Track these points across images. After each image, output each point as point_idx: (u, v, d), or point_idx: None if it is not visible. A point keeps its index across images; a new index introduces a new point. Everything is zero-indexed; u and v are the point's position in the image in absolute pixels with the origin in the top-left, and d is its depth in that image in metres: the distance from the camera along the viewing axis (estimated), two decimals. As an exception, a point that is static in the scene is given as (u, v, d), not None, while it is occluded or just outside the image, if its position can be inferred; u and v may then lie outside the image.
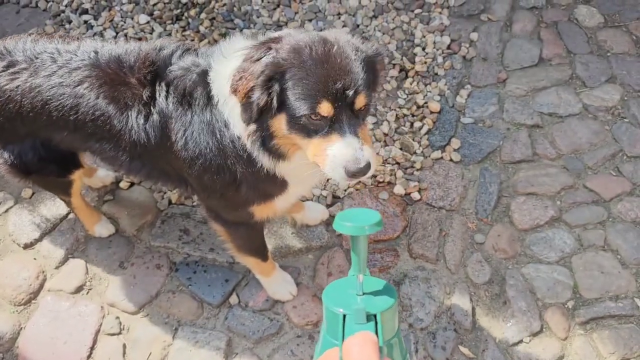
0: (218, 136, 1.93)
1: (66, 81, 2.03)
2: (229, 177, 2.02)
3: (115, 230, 2.92)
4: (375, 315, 1.06)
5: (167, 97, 1.96)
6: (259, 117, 1.74)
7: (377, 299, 1.11)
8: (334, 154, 1.69)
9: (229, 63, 1.83)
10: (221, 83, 1.86)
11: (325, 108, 1.66)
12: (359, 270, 1.15)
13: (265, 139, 1.83)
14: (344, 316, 1.07)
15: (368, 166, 1.69)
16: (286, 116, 1.72)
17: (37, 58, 2.08)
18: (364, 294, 1.12)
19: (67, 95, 2.03)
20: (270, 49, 1.73)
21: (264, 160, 1.91)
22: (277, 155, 1.88)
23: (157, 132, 1.99)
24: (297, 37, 1.76)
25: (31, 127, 2.17)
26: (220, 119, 1.91)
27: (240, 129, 1.87)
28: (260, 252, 2.53)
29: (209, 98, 1.91)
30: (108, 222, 2.92)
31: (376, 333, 1.05)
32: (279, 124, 1.76)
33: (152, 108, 1.97)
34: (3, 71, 2.10)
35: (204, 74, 1.93)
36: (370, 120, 3.22)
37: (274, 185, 2.07)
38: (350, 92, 1.66)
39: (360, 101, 1.69)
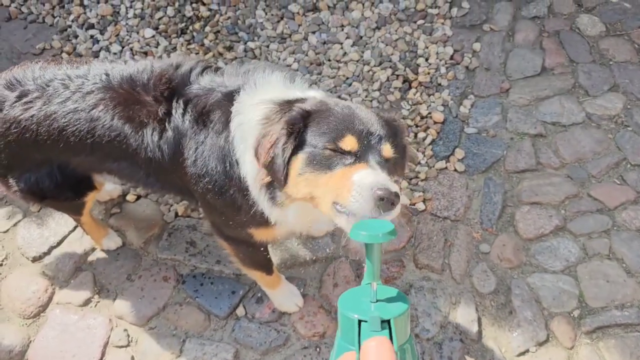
0: (227, 166, 1.94)
1: (81, 106, 2.06)
2: (229, 200, 2.04)
3: (123, 243, 2.95)
4: (389, 322, 1.11)
5: (184, 115, 1.98)
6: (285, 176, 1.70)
7: (391, 305, 1.16)
8: (361, 177, 1.57)
9: (257, 104, 1.83)
10: (242, 120, 1.86)
11: (350, 141, 1.64)
12: (373, 277, 1.20)
13: (274, 194, 1.83)
14: (359, 322, 1.11)
15: (397, 196, 1.53)
16: (305, 154, 1.68)
17: (48, 86, 2.11)
18: (377, 301, 1.16)
19: (83, 119, 2.06)
20: (292, 107, 1.73)
21: (264, 204, 1.90)
22: (276, 203, 1.85)
23: (171, 149, 2.02)
24: (326, 102, 1.78)
25: (48, 154, 2.20)
26: (232, 154, 1.91)
27: (249, 173, 1.88)
28: (265, 266, 2.54)
29: (226, 126, 1.92)
30: (115, 235, 2.95)
31: (390, 338, 1.09)
32: (296, 164, 1.69)
33: (167, 124, 2.00)
34: (16, 102, 2.12)
35: (227, 99, 1.93)
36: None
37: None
38: (375, 138, 1.66)
39: (387, 150, 1.67)
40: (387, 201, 1.51)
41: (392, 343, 1.08)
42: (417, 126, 3.29)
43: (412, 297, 2.74)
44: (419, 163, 3.15)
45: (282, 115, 1.74)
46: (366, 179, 1.56)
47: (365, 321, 1.11)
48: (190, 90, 2.00)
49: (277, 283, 2.67)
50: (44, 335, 2.73)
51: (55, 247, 2.96)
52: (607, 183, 3.08)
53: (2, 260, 2.95)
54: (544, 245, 2.89)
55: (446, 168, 3.15)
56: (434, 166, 3.14)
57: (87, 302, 2.81)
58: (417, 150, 3.19)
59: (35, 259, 2.93)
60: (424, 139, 3.23)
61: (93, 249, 2.95)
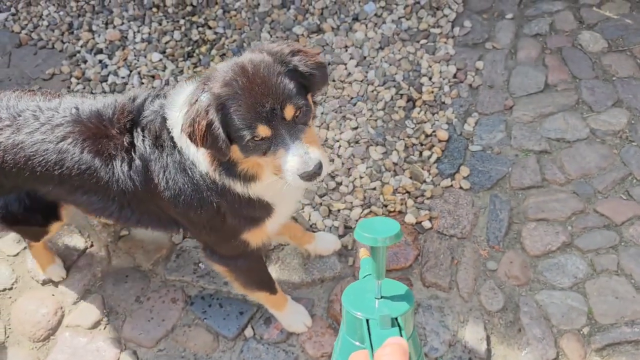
0: (190, 174, 2.03)
1: (49, 137, 2.12)
2: (211, 210, 2.10)
3: (133, 265, 2.98)
4: (397, 318, 1.10)
5: (144, 141, 2.06)
6: (227, 150, 1.83)
7: (396, 301, 1.15)
8: (286, 168, 1.80)
9: (178, 111, 1.94)
10: (177, 129, 1.96)
11: (262, 130, 1.77)
12: (378, 277, 1.18)
13: (230, 168, 1.94)
14: (367, 320, 1.10)
15: (319, 166, 1.79)
16: (237, 145, 1.84)
17: (20, 115, 2.17)
18: (382, 297, 1.16)
19: (50, 150, 2.12)
20: (204, 89, 1.82)
21: (237, 187, 2.01)
22: (247, 178, 1.98)
23: (141, 177, 2.08)
24: (221, 71, 1.83)
25: (15, 181, 2.26)
26: (187, 159, 2.02)
27: (205, 166, 1.98)
28: (267, 284, 2.57)
29: (173, 142, 2.02)
30: (61, 267, 2.95)
31: (400, 336, 1.08)
32: (235, 152, 1.87)
33: (133, 154, 2.07)
34: None
35: (164, 120, 2.03)
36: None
37: (257, 208, 2.15)
38: (277, 110, 1.76)
39: (289, 112, 1.77)
40: (311, 175, 1.79)
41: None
42: (421, 144, 3.31)
43: (420, 315, 2.74)
44: (424, 181, 3.17)
45: (197, 96, 1.82)
46: (287, 167, 1.80)
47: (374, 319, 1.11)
48: (144, 117, 2.08)
49: (283, 303, 2.68)
50: (54, 358, 2.74)
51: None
52: (613, 198, 3.07)
53: (12, 284, 2.98)
54: (552, 262, 2.89)
55: (451, 186, 3.16)
56: (439, 184, 3.16)
57: (96, 325, 2.83)
58: (422, 169, 3.21)
59: (45, 282, 2.96)
60: (429, 157, 3.25)
61: (102, 271, 2.98)
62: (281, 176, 1.85)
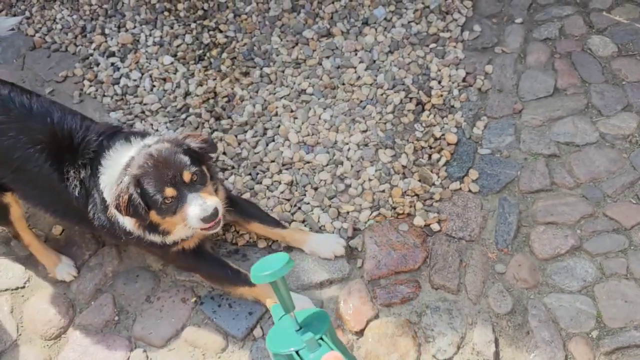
0: (113, 220, 2.52)
1: (18, 135, 2.53)
2: (133, 239, 2.60)
3: (143, 264, 3.01)
4: (322, 338, 1.20)
5: (89, 181, 2.53)
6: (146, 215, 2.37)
7: (315, 324, 1.25)
8: (189, 217, 2.36)
9: (110, 173, 2.46)
10: (106, 191, 2.46)
11: (169, 191, 2.33)
12: (288, 310, 1.26)
13: (152, 227, 2.49)
14: (297, 352, 1.20)
15: (216, 210, 2.36)
16: (154, 209, 2.38)
17: None
18: (300, 328, 1.23)
19: (18, 148, 2.54)
20: (125, 173, 2.36)
21: (156, 238, 2.55)
22: (164, 233, 2.53)
23: (83, 203, 2.58)
24: (137, 160, 2.39)
25: None
26: (115, 218, 2.51)
27: (130, 227, 2.50)
28: (235, 279, 2.76)
29: (104, 199, 2.51)
30: (70, 265, 2.99)
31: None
32: (153, 216, 2.42)
33: (82, 186, 2.55)
34: None
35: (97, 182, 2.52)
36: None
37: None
38: (178, 176, 2.33)
39: (186, 176, 2.34)
40: (210, 217, 2.34)
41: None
42: (430, 148, 3.32)
43: (428, 317, 2.75)
44: (433, 184, 3.18)
45: (121, 177, 2.36)
46: (191, 215, 2.35)
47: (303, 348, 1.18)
48: (100, 164, 2.51)
49: (269, 295, 2.70)
50: (65, 356, 2.78)
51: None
52: (622, 202, 3.07)
53: (25, 283, 3.02)
54: (560, 265, 2.89)
55: (460, 189, 3.17)
56: (448, 187, 3.17)
57: (107, 324, 2.86)
58: (431, 172, 3.22)
59: (56, 282, 2.99)
60: (438, 160, 3.26)
61: (113, 271, 3.01)
62: (187, 224, 2.39)
